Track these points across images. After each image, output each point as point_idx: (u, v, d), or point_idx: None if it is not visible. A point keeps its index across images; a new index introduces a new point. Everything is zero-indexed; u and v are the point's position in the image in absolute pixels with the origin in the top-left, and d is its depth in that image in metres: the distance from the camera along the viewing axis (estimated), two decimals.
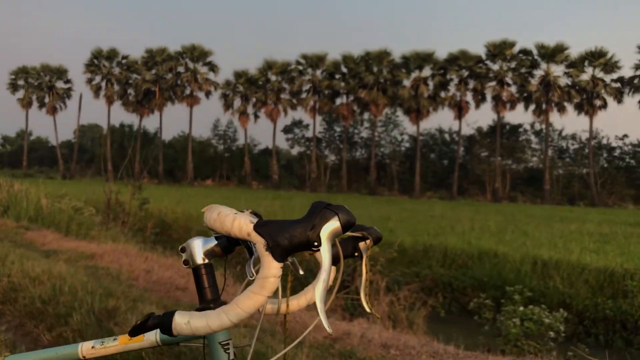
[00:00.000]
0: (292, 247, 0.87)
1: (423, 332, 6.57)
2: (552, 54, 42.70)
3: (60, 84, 56.54)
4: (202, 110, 77.90)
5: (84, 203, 16.10)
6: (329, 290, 0.97)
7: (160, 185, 44.62)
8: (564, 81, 43.06)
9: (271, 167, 52.17)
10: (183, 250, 1.07)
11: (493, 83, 44.44)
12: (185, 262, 1.06)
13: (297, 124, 57.45)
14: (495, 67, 44.66)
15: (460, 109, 45.72)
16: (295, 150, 59.76)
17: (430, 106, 46.17)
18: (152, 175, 49.47)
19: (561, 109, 43.52)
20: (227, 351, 1.02)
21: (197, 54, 51.92)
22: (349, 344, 4.46)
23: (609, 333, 9.34)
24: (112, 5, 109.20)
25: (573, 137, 49.70)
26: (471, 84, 45.38)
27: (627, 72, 42.37)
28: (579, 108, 42.99)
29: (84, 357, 1.29)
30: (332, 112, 51.30)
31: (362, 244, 1.16)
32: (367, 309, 1.16)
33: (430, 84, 46.36)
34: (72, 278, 5.73)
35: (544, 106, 43.48)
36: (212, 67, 52.63)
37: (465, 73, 45.28)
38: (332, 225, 0.88)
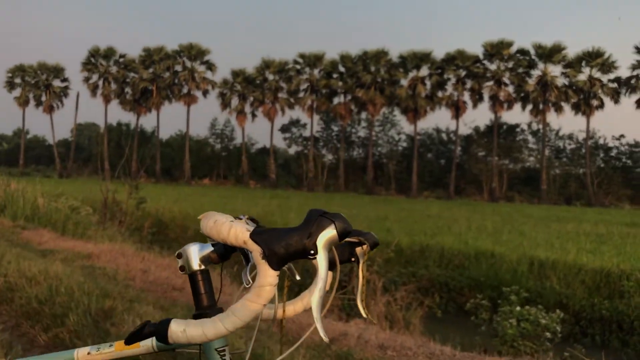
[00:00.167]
0: (289, 255, 0.87)
1: (420, 333, 6.58)
2: (550, 54, 42.77)
3: (57, 83, 56.47)
4: (199, 109, 78.01)
5: (80, 202, 16.06)
6: (325, 296, 0.97)
7: (158, 184, 44.56)
8: (561, 81, 43.18)
9: (268, 166, 52.15)
10: (179, 256, 1.07)
11: (490, 83, 44.51)
12: (182, 268, 1.06)
13: (295, 123, 57.47)
14: (492, 67, 44.73)
15: (457, 109, 45.77)
16: (292, 150, 59.84)
17: (428, 106, 46.21)
18: (149, 174, 49.43)
19: (558, 109, 43.60)
20: (224, 358, 1.02)
21: (195, 52, 51.85)
22: (346, 345, 4.46)
23: (606, 333, 9.36)
24: (109, 4, 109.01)
25: (570, 137, 49.86)
26: (469, 83, 45.43)
27: (624, 72, 42.39)
28: (576, 108, 43.07)
29: None
30: (329, 111, 51.31)
31: (358, 249, 1.16)
32: (364, 314, 1.16)
33: (428, 83, 46.42)
34: (69, 278, 5.72)
35: (541, 106, 43.55)
36: (210, 66, 52.59)
37: (463, 73, 45.34)
38: (329, 233, 0.88)
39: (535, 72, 43.82)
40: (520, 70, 44.14)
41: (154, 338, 1.10)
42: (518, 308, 7.17)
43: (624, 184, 44.96)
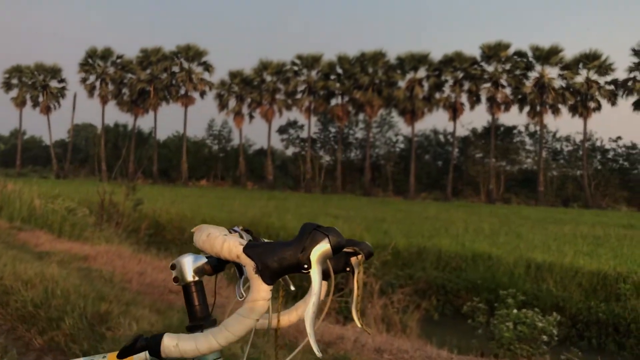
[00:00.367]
0: (282, 269, 0.86)
1: (416, 336, 6.58)
2: (547, 56, 42.85)
3: (54, 83, 56.37)
4: (196, 110, 77.76)
5: (77, 203, 16.04)
6: (319, 308, 0.97)
7: (155, 186, 44.49)
8: (558, 83, 43.25)
9: (266, 167, 52.13)
10: (173, 267, 1.06)
11: (488, 85, 44.57)
12: (175, 280, 1.05)
13: (292, 124, 57.48)
14: (490, 68, 44.80)
15: (455, 111, 45.82)
16: (290, 151, 59.82)
17: (425, 107, 46.26)
18: (146, 175, 49.36)
19: (555, 111, 43.68)
20: None
21: (192, 53, 51.83)
22: (343, 348, 4.45)
23: (602, 336, 9.37)
24: (107, 5, 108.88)
25: (567, 139, 49.93)
26: (466, 85, 45.47)
27: (620, 74, 42.54)
28: (573, 110, 43.15)
29: None
30: (327, 112, 51.31)
31: (353, 259, 1.16)
32: (358, 324, 1.16)
33: (425, 85, 46.44)
34: (65, 281, 5.71)
35: (538, 108, 43.63)
36: (207, 67, 52.56)
37: (460, 74, 45.39)
38: (322, 247, 0.88)
39: (533, 74, 43.92)
40: (518, 72, 44.21)
41: (147, 352, 1.10)
42: (515, 311, 7.17)
43: (621, 185, 45.05)
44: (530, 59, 43.74)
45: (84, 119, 71.37)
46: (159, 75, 52.54)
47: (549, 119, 45.05)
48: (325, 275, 1.08)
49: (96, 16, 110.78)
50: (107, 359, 1.19)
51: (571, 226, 19.85)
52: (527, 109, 44.10)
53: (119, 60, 53.84)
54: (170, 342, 0.89)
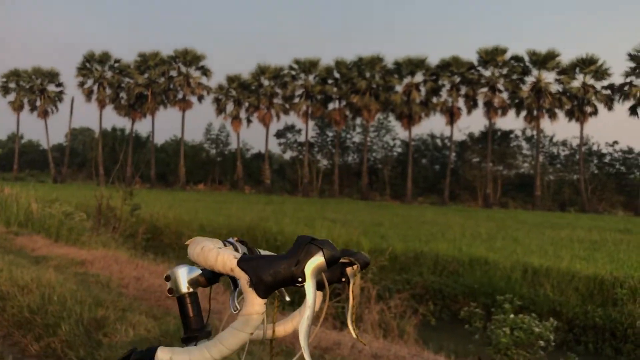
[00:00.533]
0: (276, 283, 0.86)
1: (414, 341, 6.58)
2: (544, 60, 42.99)
3: (52, 87, 56.38)
4: (194, 115, 77.93)
5: (74, 208, 16.00)
6: (315, 319, 0.97)
7: (152, 190, 44.44)
8: (555, 88, 43.40)
9: (263, 171, 52.12)
10: (167, 278, 1.06)
11: (485, 89, 44.68)
12: (170, 291, 1.06)
13: (290, 128, 57.55)
14: (487, 73, 44.92)
15: (452, 115, 45.91)
16: (287, 155, 59.88)
17: (422, 112, 46.35)
18: (144, 180, 49.31)
19: (552, 116, 43.81)
20: None
21: (190, 58, 51.85)
22: (339, 354, 4.45)
23: (599, 341, 9.37)
24: (105, 9, 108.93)
25: (564, 143, 50.08)
26: (463, 90, 45.60)
27: (617, 79, 42.75)
28: (570, 114, 43.28)
29: None
30: (324, 117, 51.38)
31: (349, 270, 1.15)
32: (354, 335, 1.15)
33: (422, 89, 46.57)
34: (62, 286, 5.70)
35: (535, 112, 43.75)
36: (205, 72, 52.59)
37: (457, 79, 45.51)
38: (317, 260, 0.88)
39: (530, 79, 44.08)
40: (515, 76, 44.34)
41: None
42: (512, 316, 7.17)
43: (617, 190, 45.16)
44: (527, 63, 43.90)
45: (81, 123, 71.33)
46: (156, 80, 52.54)
47: (545, 123, 45.23)
48: (320, 286, 1.08)
49: (94, 20, 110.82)
50: None
51: (568, 230, 19.89)
52: (524, 113, 44.24)
53: (116, 65, 53.87)
54: (164, 356, 0.89)
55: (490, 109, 44.66)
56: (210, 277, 1.03)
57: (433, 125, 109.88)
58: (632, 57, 40.61)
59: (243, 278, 0.87)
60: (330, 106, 50.54)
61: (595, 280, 10.65)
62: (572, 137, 48.86)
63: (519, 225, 22.01)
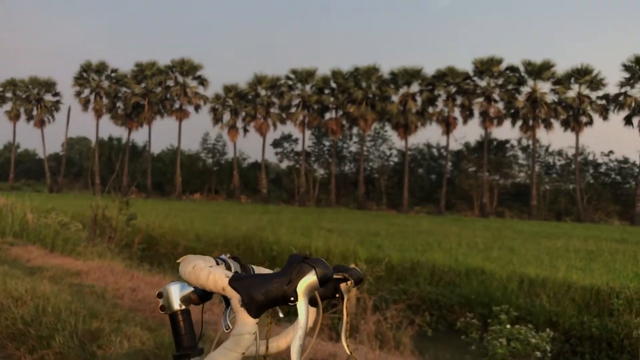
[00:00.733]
0: (268, 302, 0.86)
1: (410, 352, 6.56)
2: (539, 71, 43.20)
3: (48, 97, 56.35)
4: (191, 124, 77.81)
5: (70, 218, 15.94)
6: (308, 334, 0.97)
7: (149, 199, 44.35)
8: (550, 98, 43.57)
9: (260, 181, 52.10)
10: (160, 295, 1.06)
11: (480, 99, 44.85)
12: (162, 308, 1.05)
13: (287, 138, 57.59)
14: (482, 83, 45.11)
15: (448, 125, 46.05)
16: (284, 164, 59.87)
17: (419, 121, 46.49)
18: (140, 189, 49.18)
19: (548, 125, 43.97)
20: None
21: (187, 68, 51.95)
22: None
23: (595, 352, 9.35)
24: (102, 19, 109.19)
25: (559, 153, 50.24)
26: (459, 100, 45.77)
27: (612, 89, 42.90)
28: (566, 124, 43.45)
29: None
30: (321, 126, 51.50)
31: (343, 285, 1.15)
32: (347, 351, 1.15)
33: (419, 99, 46.73)
34: (56, 298, 5.67)
35: (530, 122, 43.91)
36: (202, 81, 52.69)
37: (453, 89, 45.69)
38: (309, 279, 0.88)
39: (525, 89, 44.28)
40: (510, 86, 44.53)
41: None
42: (508, 326, 7.17)
43: (613, 199, 45.27)
44: (523, 73, 44.11)
45: (78, 132, 71.23)
46: (153, 89, 52.59)
47: (541, 133, 45.37)
48: (313, 302, 1.08)
49: (91, 30, 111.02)
50: None
51: (564, 240, 19.90)
52: (519, 123, 44.41)
53: (113, 74, 53.93)
54: None
55: (486, 119, 44.81)
56: (203, 294, 1.03)
57: (429, 135, 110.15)
58: (626, 68, 40.84)
59: (235, 297, 0.87)
60: (327, 116, 50.71)
61: (592, 290, 10.65)
62: (568, 146, 49.21)
63: (515, 235, 22.01)
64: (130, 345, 4.33)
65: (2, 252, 10.65)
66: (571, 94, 43.01)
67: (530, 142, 46.73)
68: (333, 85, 49.51)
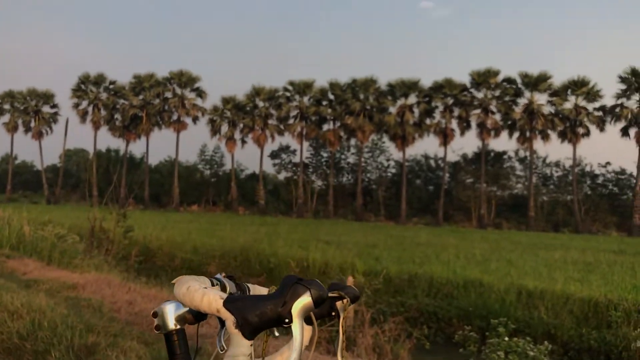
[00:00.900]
0: (263, 324, 0.87)
1: None
2: (536, 82, 43.40)
3: (46, 109, 56.38)
4: (189, 136, 77.67)
5: (67, 230, 15.90)
6: (306, 349, 0.97)
7: (146, 211, 44.27)
8: (547, 109, 43.77)
9: (258, 192, 52.08)
10: (155, 315, 1.06)
11: (478, 111, 45.03)
12: (157, 327, 1.05)
13: (284, 149, 57.64)
14: (479, 95, 45.32)
15: (445, 136, 46.18)
16: (282, 176, 59.85)
17: (416, 133, 46.63)
18: (137, 201, 49.10)
19: (545, 137, 44.11)
20: None
21: (185, 79, 52.09)
22: None
23: None
24: (101, 31, 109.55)
25: (557, 164, 50.31)
26: (456, 111, 45.95)
27: (608, 100, 43.00)
28: (563, 136, 43.59)
29: None
30: (319, 137, 51.59)
31: (339, 304, 1.15)
32: None
33: (416, 111, 46.90)
34: (52, 312, 5.64)
35: (527, 134, 44.06)
36: (200, 93, 52.82)
37: (450, 101, 45.87)
38: (304, 301, 0.88)
39: (522, 101, 44.45)
40: (507, 98, 44.71)
41: None
42: (506, 339, 7.14)
43: (610, 210, 45.31)
44: (520, 85, 44.30)
45: (75, 144, 71.15)
46: (151, 101, 52.69)
47: (538, 144, 45.58)
48: (309, 320, 1.08)
49: (89, 42, 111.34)
50: None
51: (562, 252, 19.88)
52: (516, 134, 44.55)
53: (111, 86, 54.05)
54: None
55: (483, 131, 44.95)
56: (198, 314, 1.03)
57: (427, 146, 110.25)
58: (622, 80, 41.06)
59: (229, 319, 0.87)
60: (325, 127, 50.85)
61: (590, 302, 10.63)
62: (565, 158, 49.11)
63: (513, 247, 22.00)
64: (127, 359, 4.30)
65: None
66: (568, 105, 43.21)
67: (528, 153, 46.88)
68: (331, 96, 49.70)
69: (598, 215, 44.58)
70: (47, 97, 56.12)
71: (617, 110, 41.61)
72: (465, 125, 45.84)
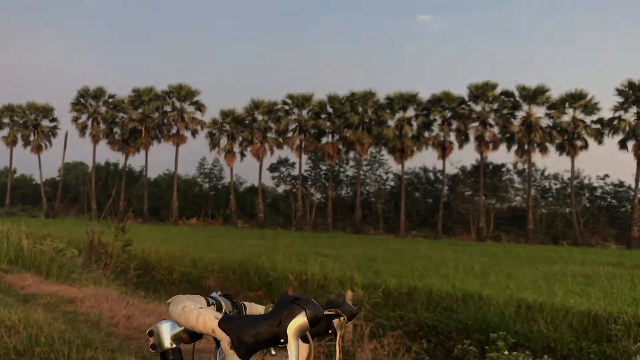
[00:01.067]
0: (258, 344, 0.87)
1: None
2: (533, 95, 43.58)
3: (45, 122, 56.46)
4: (188, 149, 77.65)
5: (66, 244, 15.84)
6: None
7: (145, 224, 44.19)
8: (545, 122, 43.91)
9: (257, 205, 52.04)
10: (151, 334, 1.07)
11: (476, 124, 45.15)
12: (153, 347, 1.06)
13: (283, 162, 57.68)
14: (477, 108, 45.47)
15: (443, 149, 46.26)
16: (281, 189, 59.83)
17: (414, 146, 46.72)
18: (136, 214, 49.02)
19: (543, 150, 44.21)
20: None
21: (185, 93, 52.24)
22: None
23: None
24: (100, 44, 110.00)
25: (555, 176, 50.32)
26: (454, 124, 46.10)
27: (606, 113, 43.15)
28: (561, 148, 43.70)
29: None
30: (317, 150, 51.68)
31: (335, 321, 1.15)
32: None
33: (414, 124, 47.06)
34: (50, 327, 5.62)
35: (526, 146, 44.15)
36: (199, 107, 52.97)
37: (449, 114, 46.03)
38: (299, 321, 0.89)
39: (520, 113, 44.62)
40: (505, 111, 44.88)
41: None
42: (506, 353, 7.11)
43: (609, 223, 45.28)
44: (517, 98, 44.49)
45: (75, 157, 70.99)
46: (150, 115, 52.81)
47: (536, 157, 45.60)
48: (305, 338, 1.08)
49: (89, 56, 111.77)
50: None
51: (561, 265, 19.85)
52: (515, 147, 44.65)
53: (111, 100, 54.20)
54: None
55: (482, 143, 45.05)
56: (193, 333, 1.03)
57: (425, 159, 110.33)
58: (620, 92, 41.23)
59: (224, 339, 0.87)
60: (324, 140, 50.96)
61: (589, 316, 10.59)
62: (564, 170, 49.15)
63: (512, 260, 21.96)
64: None
65: None
66: (566, 118, 43.37)
67: (526, 166, 46.94)
68: (329, 109, 49.89)
69: (597, 227, 44.56)
70: (46, 111, 56.24)
71: (615, 122, 41.74)
72: (463, 138, 45.98)
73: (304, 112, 50.60)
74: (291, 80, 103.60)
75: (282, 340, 0.87)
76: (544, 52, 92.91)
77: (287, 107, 50.99)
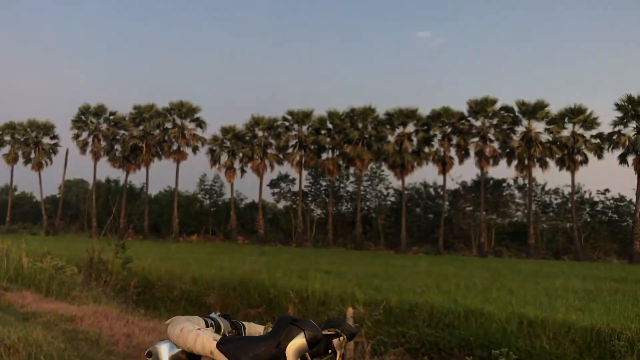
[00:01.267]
0: None
1: None
2: (533, 110, 43.75)
3: (46, 140, 56.67)
4: (188, 165, 77.73)
5: (66, 261, 15.80)
6: None
7: (145, 241, 44.10)
8: (545, 137, 44.03)
9: (257, 221, 51.99)
10: (149, 354, 1.07)
11: (476, 139, 45.27)
12: None
13: (284, 178, 57.75)
14: (477, 123, 45.61)
15: (444, 164, 46.33)
16: (281, 205, 59.83)
17: (415, 161, 46.79)
18: (137, 231, 48.97)
19: (543, 165, 44.28)
20: None
21: (185, 110, 52.47)
22: None
23: None
24: (101, 62, 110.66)
25: (556, 191, 50.33)
26: (454, 139, 46.21)
27: (605, 128, 43.36)
28: (561, 163, 43.75)
29: None
30: (318, 166, 51.78)
31: (335, 341, 1.15)
32: None
33: (414, 139, 47.19)
34: (49, 345, 5.59)
35: (526, 162, 44.22)
36: (200, 124, 53.19)
37: (449, 129, 46.17)
38: (298, 342, 0.89)
39: (520, 129, 44.77)
40: (505, 126, 45.02)
41: None
42: None
43: (610, 238, 45.19)
44: (517, 113, 44.66)
45: (75, 174, 71.03)
46: (151, 132, 53.00)
47: (537, 172, 45.66)
48: (304, 359, 1.08)
49: (90, 73, 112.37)
50: None
51: (562, 280, 19.75)
52: (515, 162, 44.72)
53: (111, 117, 54.42)
54: None
55: (482, 159, 45.13)
56: (192, 354, 1.03)
57: (426, 174, 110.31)
58: (619, 107, 41.38)
59: None
60: (324, 156, 51.07)
61: (592, 331, 10.50)
62: (564, 185, 49.15)
63: (513, 275, 21.86)
64: None
65: None
66: (565, 133, 43.51)
67: (526, 181, 46.97)
68: (329, 125, 50.07)
69: (598, 242, 44.45)
70: (47, 128, 56.45)
71: (615, 137, 41.85)
72: (463, 154, 46.07)
73: (304, 128, 50.81)
74: (291, 97, 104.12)
75: None
76: (543, 67, 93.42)
77: (287, 123, 51.22)
